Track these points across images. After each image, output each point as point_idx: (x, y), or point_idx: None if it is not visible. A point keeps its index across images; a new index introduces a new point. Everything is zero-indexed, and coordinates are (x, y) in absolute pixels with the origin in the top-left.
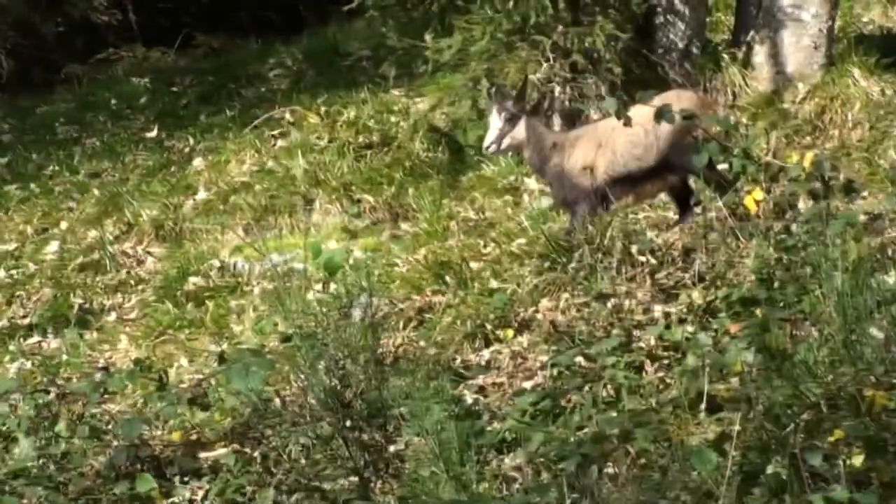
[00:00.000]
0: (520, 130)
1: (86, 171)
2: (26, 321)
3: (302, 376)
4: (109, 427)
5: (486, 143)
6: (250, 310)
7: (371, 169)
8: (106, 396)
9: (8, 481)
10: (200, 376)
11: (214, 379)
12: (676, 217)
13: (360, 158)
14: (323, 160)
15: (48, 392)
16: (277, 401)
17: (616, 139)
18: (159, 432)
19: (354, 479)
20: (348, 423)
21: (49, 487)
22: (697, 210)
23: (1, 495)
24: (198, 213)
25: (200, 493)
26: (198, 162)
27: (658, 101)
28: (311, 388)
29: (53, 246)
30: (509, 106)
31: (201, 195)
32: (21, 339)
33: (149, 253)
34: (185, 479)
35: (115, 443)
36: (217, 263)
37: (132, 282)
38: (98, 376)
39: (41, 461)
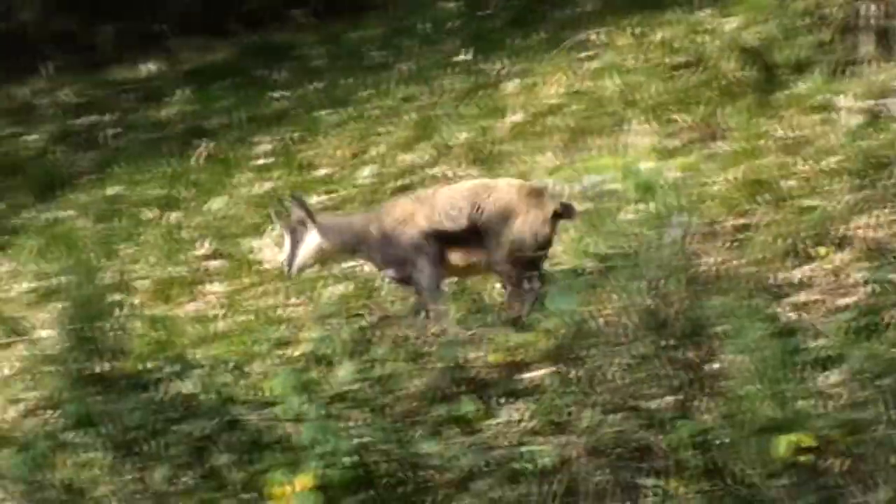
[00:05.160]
0: (313, 238)
1: (398, 96)
2: None
3: (619, 297)
4: (430, 349)
5: (284, 267)
6: (567, 231)
7: (683, 89)
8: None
9: (332, 404)
10: None
11: None
12: None
13: (671, 79)
14: (634, 81)
15: (368, 315)
16: (596, 321)
17: (436, 196)
18: (478, 354)
19: (674, 397)
20: (667, 343)
21: (370, 410)
22: None
23: (327, 419)
24: (511, 135)
25: (519, 414)
26: (509, 85)
27: (478, 187)
28: (629, 309)
29: (367, 171)
30: (293, 219)
31: (514, 118)
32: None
33: (462, 177)
34: (505, 400)
35: (435, 365)
36: None
37: None
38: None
39: (363, 384)
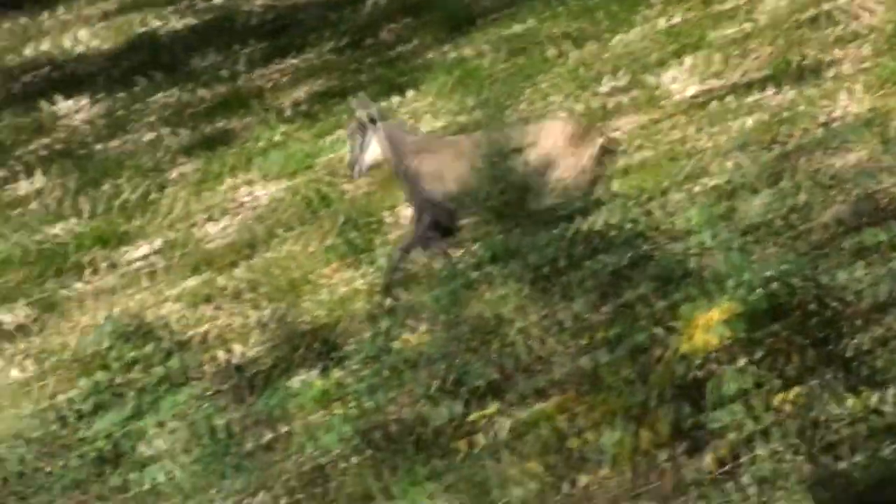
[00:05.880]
0: (374, 146)
1: None
2: (750, 77)
3: None
4: (845, 178)
5: (349, 168)
6: None
7: None
8: (835, 150)
9: (746, 235)
10: None
11: None
12: None
13: None
14: None
15: (780, 145)
16: None
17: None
18: (893, 182)
19: None
20: None
21: (784, 240)
22: None
23: (741, 250)
24: None
25: None
26: None
27: (532, 129)
28: None
29: (772, 3)
30: (356, 122)
31: None
32: (747, 95)
33: (865, 7)
34: None
35: (850, 194)
36: None
37: (851, 37)
38: (824, 130)
39: (776, 214)
